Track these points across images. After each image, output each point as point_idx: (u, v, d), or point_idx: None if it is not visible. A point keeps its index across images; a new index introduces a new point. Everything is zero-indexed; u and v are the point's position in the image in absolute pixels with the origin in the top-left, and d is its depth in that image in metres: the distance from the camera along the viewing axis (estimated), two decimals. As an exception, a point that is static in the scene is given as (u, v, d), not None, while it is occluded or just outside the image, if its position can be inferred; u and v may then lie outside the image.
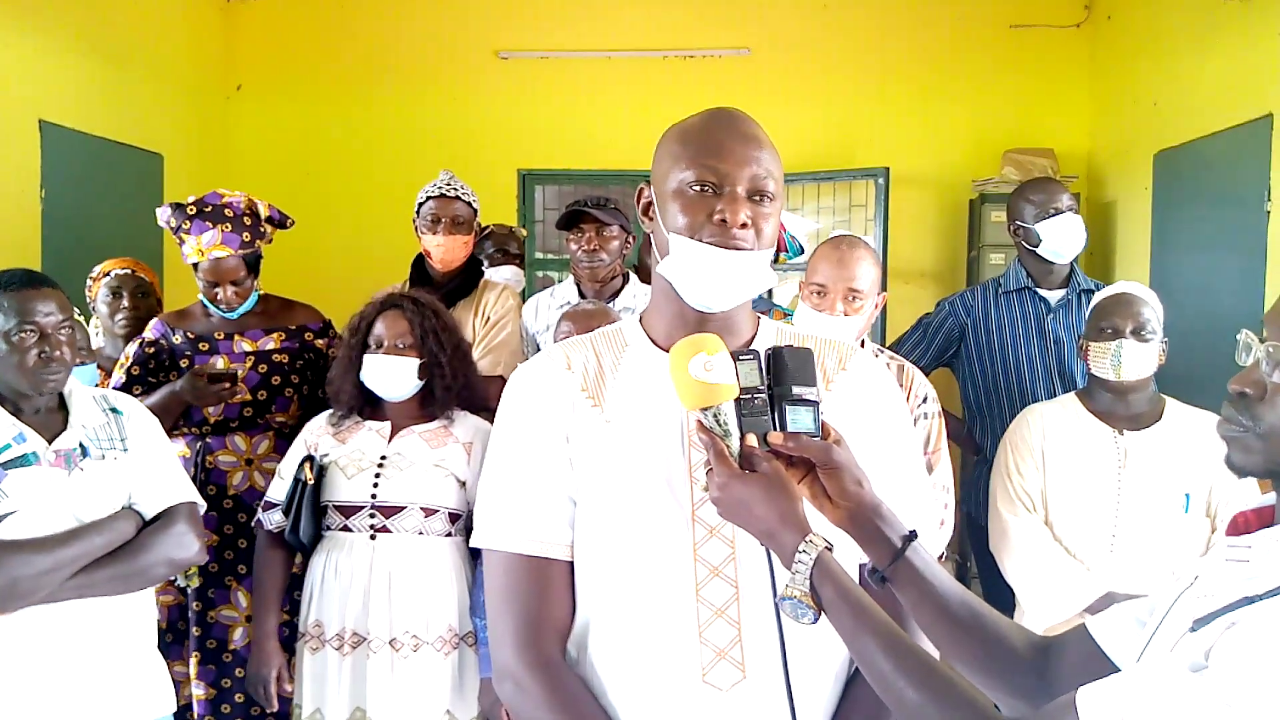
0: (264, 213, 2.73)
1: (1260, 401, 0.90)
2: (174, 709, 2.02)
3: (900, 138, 5.11)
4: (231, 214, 2.65)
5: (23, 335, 1.82)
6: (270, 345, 2.74)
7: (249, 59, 5.36)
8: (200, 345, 2.71)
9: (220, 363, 2.69)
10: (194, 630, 2.60)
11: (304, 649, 2.30)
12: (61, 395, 1.93)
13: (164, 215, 2.68)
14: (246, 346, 2.72)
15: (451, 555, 2.31)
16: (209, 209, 2.64)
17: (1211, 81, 3.93)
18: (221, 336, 2.73)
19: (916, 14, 5.14)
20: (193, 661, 2.60)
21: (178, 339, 2.72)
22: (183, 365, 2.70)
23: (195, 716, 2.59)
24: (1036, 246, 3.00)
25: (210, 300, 2.69)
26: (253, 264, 2.72)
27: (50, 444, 1.85)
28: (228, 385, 2.60)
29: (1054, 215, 2.95)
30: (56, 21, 4.02)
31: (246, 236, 2.66)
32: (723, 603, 1.17)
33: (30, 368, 1.82)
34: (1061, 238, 2.96)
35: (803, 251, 3.69)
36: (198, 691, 2.59)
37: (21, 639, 1.76)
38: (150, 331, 2.76)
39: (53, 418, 1.89)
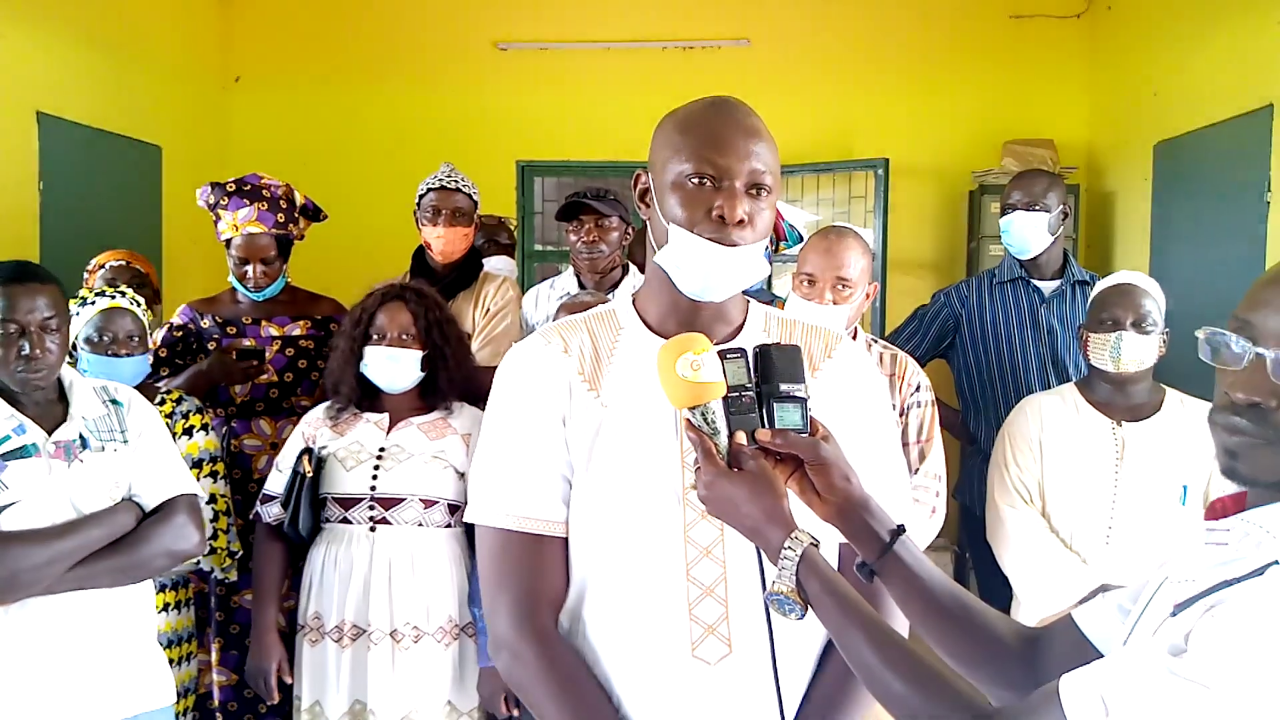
0: (299, 201, 2.81)
1: (1278, 411, 0.87)
2: (173, 700, 2.03)
3: (900, 129, 5.10)
4: (269, 195, 2.74)
5: (4, 332, 1.80)
6: (296, 331, 2.80)
7: (247, 50, 5.34)
8: (228, 329, 2.78)
9: (247, 343, 2.74)
10: (217, 615, 2.61)
11: (303, 641, 2.30)
12: (62, 386, 1.93)
13: (203, 194, 2.76)
14: (273, 331, 2.79)
15: (451, 546, 2.32)
16: (248, 187, 2.74)
17: (1211, 71, 3.92)
18: (249, 321, 2.79)
19: (916, 4, 5.13)
20: (214, 648, 2.60)
21: (206, 323, 2.79)
22: (210, 348, 2.76)
23: (216, 703, 2.60)
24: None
25: (239, 279, 2.75)
26: (284, 247, 2.78)
27: (50, 435, 1.85)
28: (255, 363, 2.66)
29: (1008, 212, 3.00)
30: (54, 13, 4.01)
31: (280, 218, 2.74)
32: (711, 581, 1.22)
33: (10, 365, 1.81)
34: (1012, 233, 3.00)
35: (802, 240, 3.69)
36: (219, 678, 2.60)
37: (21, 630, 1.77)
38: (178, 316, 2.83)
39: (53, 409, 1.89)
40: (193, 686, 2.50)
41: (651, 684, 1.21)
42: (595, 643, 1.24)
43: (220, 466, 2.47)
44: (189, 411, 2.45)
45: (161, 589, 2.38)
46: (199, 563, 2.40)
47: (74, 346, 2.38)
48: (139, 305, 2.44)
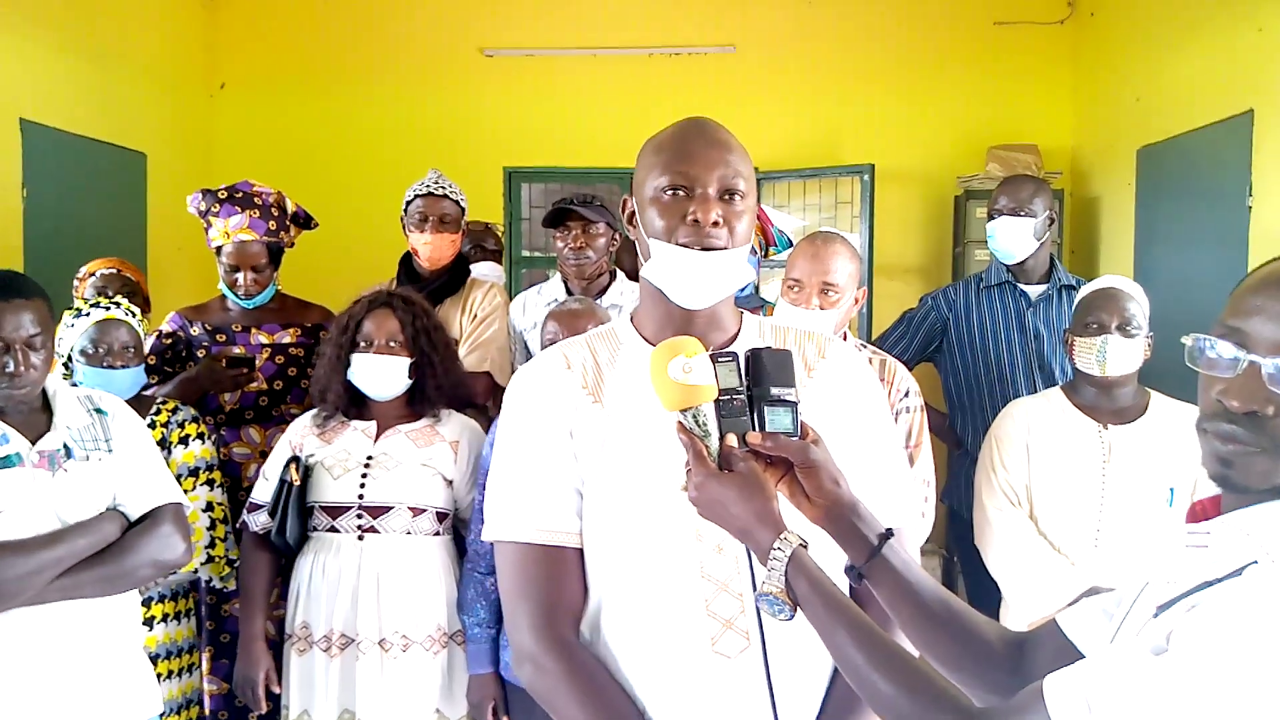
0: (290, 208, 2.81)
1: (1275, 418, 0.87)
2: (160, 710, 2.01)
3: (885, 134, 5.12)
4: (261, 202, 2.74)
5: None
6: (286, 339, 2.80)
7: (232, 57, 5.33)
8: (217, 336, 2.77)
9: (237, 351, 2.74)
10: (207, 624, 2.59)
11: (290, 651, 2.29)
12: (46, 396, 1.91)
13: (194, 201, 2.75)
14: (263, 339, 2.78)
15: (439, 554, 2.31)
16: (239, 195, 2.73)
17: (1193, 77, 3.96)
18: (239, 329, 2.78)
19: (901, 11, 5.16)
20: (205, 657, 2.59)
21: (195, 330, 2.79)
22: (199, 356, 2.75)
23: (207, 712, 2.58)
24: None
25: (230, 286, 2.74)
26: (275, 254, 2.78)
27: (34, 445, 1.83)
28: (245, 371, 2.66)
29: (995, 217, 3.02)
30: (38, 19, 3.99)
31: (272, 225, 2.73)
32: (726, 577, 1.24)
33: None
34: (999, 238, 3.02)
35: (791, 245, 3.70)
36: (210, 687, 2.58)
37: (6, 641, 1.75)
38: (167, 324, 2.82)
39: (36, 418, 1.87)
40: (195, 698, 2.48)
41: (675, 683, 1.24)
42: (616, 648, 1.27)
43: (217, 475, 2.46)
44: (184, 421, 2.44)
45: (160, 599, 2.37)
46: (196, 572, 2.39)
47: (69, 358, 2.37)
48: (134, 316, 2.43)
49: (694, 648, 1.23)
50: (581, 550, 1.29)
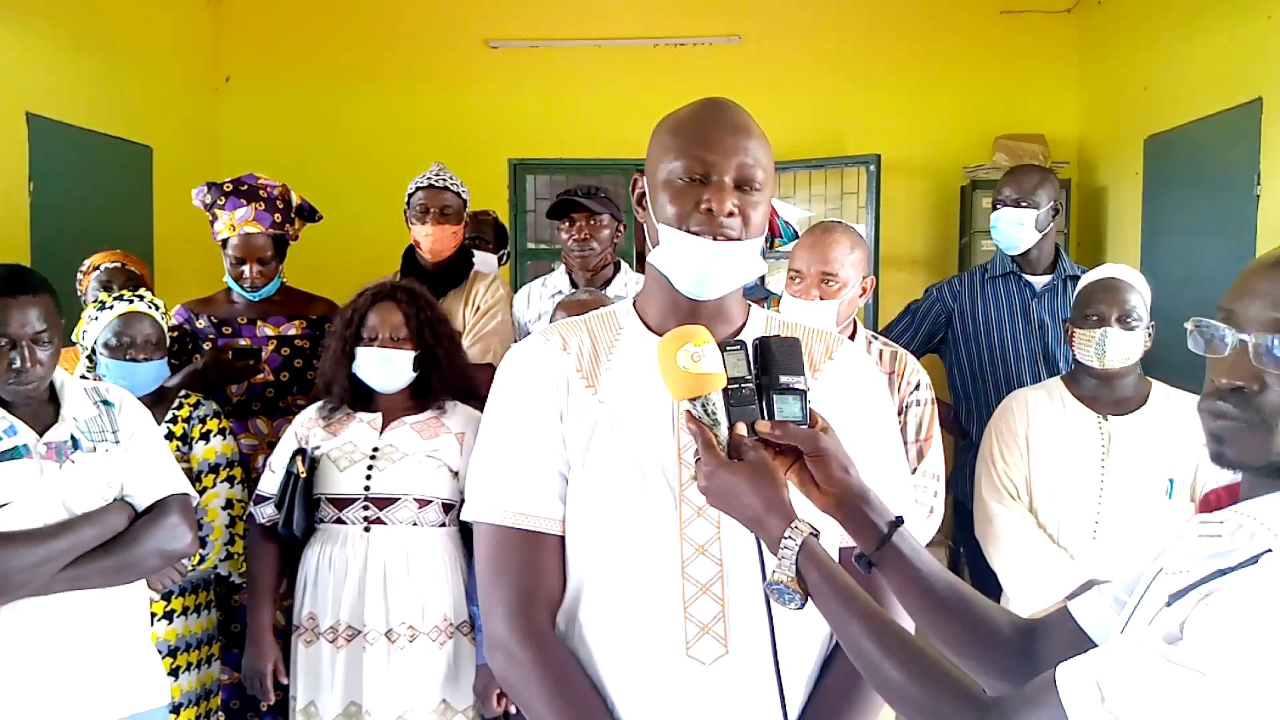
0: (295, 201, 2.82)
1: (1260, 394, 0.89)
2: (168, 701, 2.02)
3: (891, 125, 5.11)
4: (266, 195, 2.75)
5: None
6: (292, 331, 2.82)
7: (237, 50, 5.34)
8: (223, 329, 2.79)
9: (243, 343, 2.76)
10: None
11: (298, 642, 2.30)
12: (53, 387, 1.92)
13: (199, 194, 2.76)
14: (269, 331, 2.80)
15: (446, 545, 2.31)
16: (245, 188, 2.74)
17: (1201, 66, 3.94)
18: (244, 321, 2.80)
19: (907, 1, 5.14)
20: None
21: (201, 323, 2.80)
22: (205, 348, 2.77)
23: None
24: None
25: (236, 279, 2.75)
26: (280, 247, 2.79)
27: (41, 436, 1.84)
28: (251, 363, 2.68)
29: (998, 207, 3.02)
30: (44, 14, 4.00)
31: (277, 218, 2.74)
32: (707, 580, 1.20)
33: (0, 378, 1.80)
34: (1000, 229, 3.01)
35: (797, 236, 3.70)
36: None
37: (13, 631, 1.76)
38: (173, 317, 2.83)
39: (44, 410, 1.88)
40: (215, 688, 2.49)
41: (645, 685, 1.20)
42: (591, 642, 1.23)
43: (238, 472, 2.47)
44: (206, 416, 2.46)
45: (180, 593, 2.39)
46: (216, 568, 2.40)
47: (92, 351, 2.39)
48: (157, 309, 2.45)
49: (667, 650, 1.19)
50: (563, 538, 1.25)
